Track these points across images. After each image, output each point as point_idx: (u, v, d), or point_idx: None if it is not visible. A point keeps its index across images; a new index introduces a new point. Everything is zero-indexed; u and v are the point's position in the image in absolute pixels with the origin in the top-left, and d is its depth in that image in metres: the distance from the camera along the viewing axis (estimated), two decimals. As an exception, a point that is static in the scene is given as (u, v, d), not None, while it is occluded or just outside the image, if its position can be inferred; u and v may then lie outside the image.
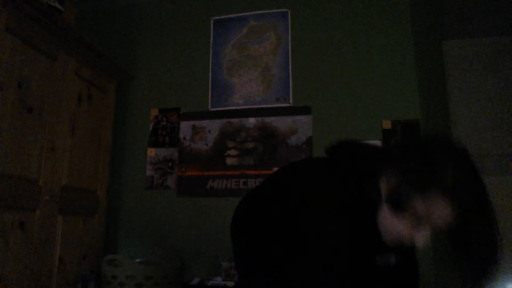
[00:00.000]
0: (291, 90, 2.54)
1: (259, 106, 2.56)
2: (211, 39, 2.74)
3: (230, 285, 2.14)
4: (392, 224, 0.84)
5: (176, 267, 2.25)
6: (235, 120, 2.57)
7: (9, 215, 1.67)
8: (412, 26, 2.46)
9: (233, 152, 2.53)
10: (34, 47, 1.86)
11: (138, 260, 2.32)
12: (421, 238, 0.81)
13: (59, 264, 1.97)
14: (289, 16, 2.65)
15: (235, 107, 2.59)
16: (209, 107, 2.64)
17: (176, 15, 2.86)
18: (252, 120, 2.54)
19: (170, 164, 2.59)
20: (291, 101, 2.53)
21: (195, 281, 2.23)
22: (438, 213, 0.76)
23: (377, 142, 2.33)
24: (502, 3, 2.67)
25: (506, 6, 2.70)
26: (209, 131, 2.59)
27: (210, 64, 2.71)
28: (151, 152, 2.64)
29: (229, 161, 2.52)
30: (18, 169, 1.74)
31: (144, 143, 2.67)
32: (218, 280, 2.22)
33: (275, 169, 2.41)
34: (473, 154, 0.82)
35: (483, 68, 2.99)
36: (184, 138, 2.62)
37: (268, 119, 2.52)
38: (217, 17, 2.77)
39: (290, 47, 2.61)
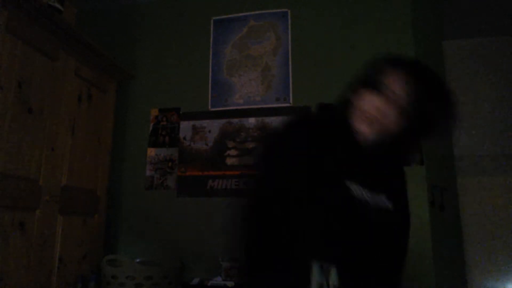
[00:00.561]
0: (291, 90, 2.54)
1: (259, 106, 2.56)
2: (211, 39, 2.74)
3: (230, 285, 2.14)
4: (364, 107, 0.92)
5: (176, 267, 2.25)
6: (235, 120, 2.57)
7: (9, 215, 1.67)
8: (412, 26, 2.46)
9: (233, 152, 2.52)
10: (34, 47, 1.86)
11: (138, 260, 2.32)
12: (392, 119, 0.89)
13: (59, 264, 1.97)
14: (289, 16, 2.65)
15: (235, 107, 2.59)
16: (209, 107, 2.64)
17: (176, 15, 2.86)
18: (252, 120, 2.54)
19: (170, 164, 2.59)
20: (291, 101, 2.53)
21: (195, 281, 2.24)
22: (398, 88, 0.88)
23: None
24: (502, 3, 2.67)
25: (506, 6, 2.70)
26: (209, 131, 2.59)
27: (210, 64, 2.71)
28: (151, 152, 2.64)
29: (229, 161, 2.52)
30: (18, 169, 1.74)
31: (144, 143, 2.67)
32: (218, 280, 2.22)
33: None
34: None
35: (483, 68, 2.98)
36: (184, 138, 2.62)
37: (268, 119, 2.52)
38: (217, 17, 2.77)
39: (290, 47, 2.61)
